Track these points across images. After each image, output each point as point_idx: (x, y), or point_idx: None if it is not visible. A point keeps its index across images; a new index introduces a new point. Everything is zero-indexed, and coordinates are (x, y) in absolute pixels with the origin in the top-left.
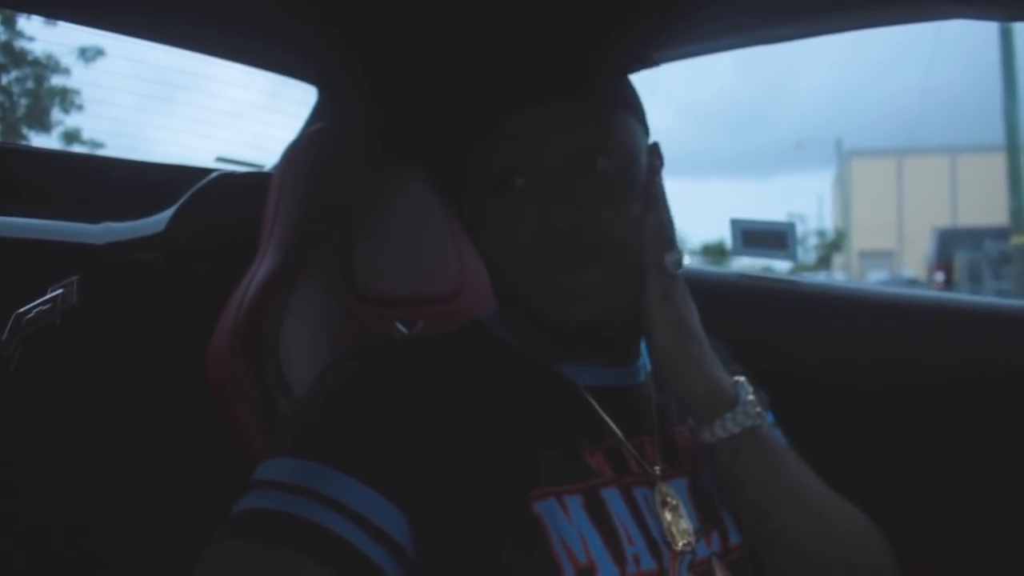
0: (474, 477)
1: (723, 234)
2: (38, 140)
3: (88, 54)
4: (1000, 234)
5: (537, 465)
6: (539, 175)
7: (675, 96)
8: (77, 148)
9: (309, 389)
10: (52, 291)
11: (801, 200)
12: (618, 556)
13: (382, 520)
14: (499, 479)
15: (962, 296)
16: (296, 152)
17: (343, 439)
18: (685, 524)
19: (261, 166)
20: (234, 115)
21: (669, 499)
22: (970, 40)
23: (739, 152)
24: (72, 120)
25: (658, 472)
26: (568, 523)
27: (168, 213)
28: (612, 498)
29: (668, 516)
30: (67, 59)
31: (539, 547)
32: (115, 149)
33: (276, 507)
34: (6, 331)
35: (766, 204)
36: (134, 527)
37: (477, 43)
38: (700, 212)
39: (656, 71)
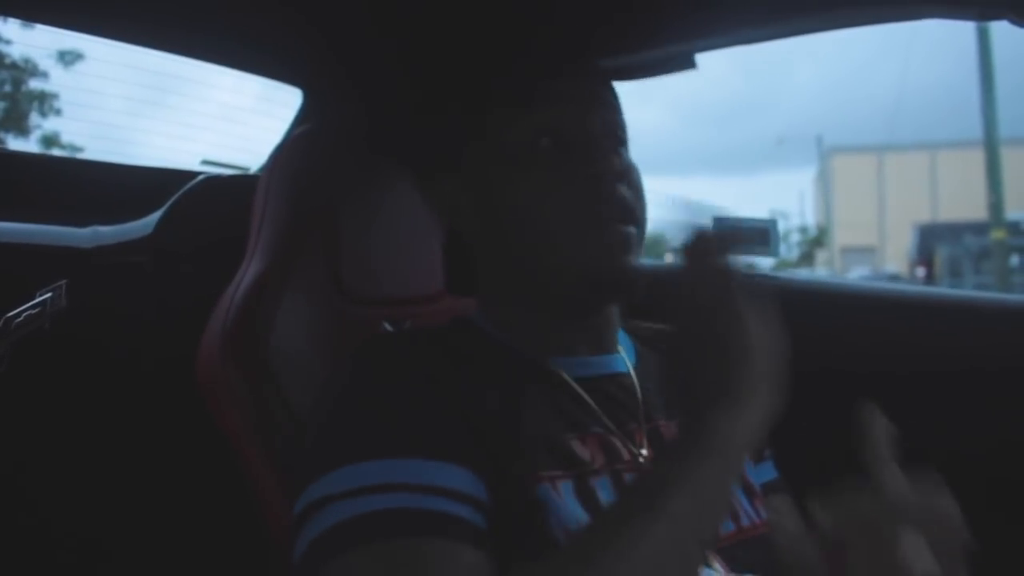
0: (494, 457)
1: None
2: (16, 144)
3: (67, 58)
4: (980, 229)
5: (533, 450)
6: (572, 136)
7: (665, 91)
8: (56, 152)
9: (335, 391)
10: (41, 295)
11: (783, 197)
12: None
13: (473, 490)
14: (499, 465)
15: (943, 290)
16: (282, 154)
17: (402, 428)
18: None
19: (247, 168)
20: (224, 119)
21: None
22: (948, 36)
23: (725, 149)
24: (52, 124)
25: (645, 455)
26: (563, 506)
27: (155, 216)
28: (602, 487)
29: None
30: (45, 63)
31: (539, 527)
32: (102, 153)
33: (386, 507)
34: None
35: (749, 201)
36: (124, 531)
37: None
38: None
39: None
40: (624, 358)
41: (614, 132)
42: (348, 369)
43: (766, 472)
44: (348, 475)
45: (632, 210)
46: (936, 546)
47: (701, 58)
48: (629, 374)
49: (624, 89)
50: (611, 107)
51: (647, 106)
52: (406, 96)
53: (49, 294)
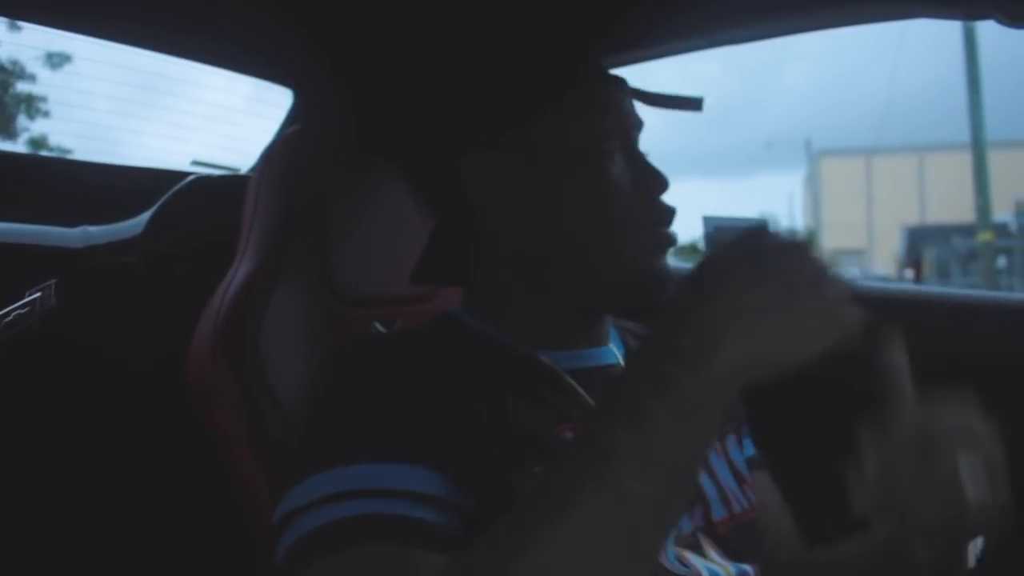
0: (473, 458)
1: (697, 234)
2: (3, 147)
3: (55, 60)
4: (967, 231)
5: (523, 446)
6: (627, 143)
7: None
8: (44, 154)
9: (316, 396)
10: (30, 295)
11: (773, 200)
12: None
13: (442, 492)
14: (490, 460)
15: (933, 288)
16: (272, 155)
17: (369, 433)
18: None
19: (237, 169)
20: (216, 119)
21: None
22: (936, 41)
23: (716, 152)
24: (39, 127)
25: None
26: None
27: (146, 216)
28: None
29: None
30: (32, 65)
31: None
32: (92, 155)
33: (358, 513)
34: None
35: (739, 204)
36: (115, 530)
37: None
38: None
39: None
40: (613, 350)
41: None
42: (324, 376)
43: (746, 449)
44: (315, 485)
45: (672, 218)
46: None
47: (692, 61)
48: (618, 365)
49: None
50: (641, 123)
51: (638, 107)
52: (432, 71)
53: (39, 293)
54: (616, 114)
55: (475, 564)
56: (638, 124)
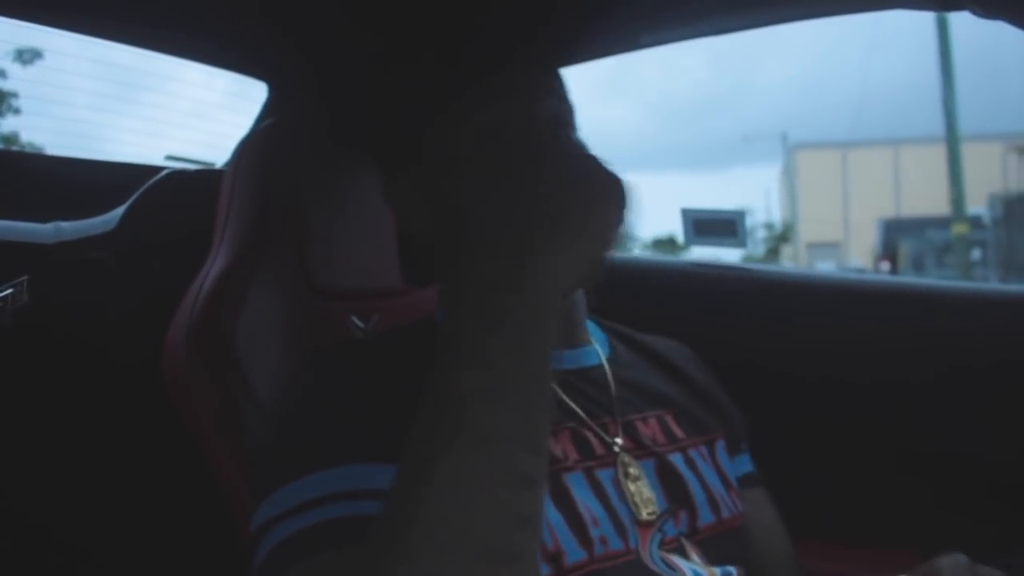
0: None
1: (675, 227)
2: None
3: (26, 56)
4: (942, 223)
5: None
6: (518, 130)
7: (637, 88)
8: (14, 149)
9: (291, 400)
10: (1, 291)
11: (750, 193)
12: (584, 539)
13: None
14: None
15: (910, 279)
16: (247, 148)
17: (353, 435)
18: (649, 494)
19: (212, 164)
20: (195, 115)
21: (631, 470)
22: (911, 34)
23: (695, 146)
24: (11, 123)
25: (620, 443)
26: None
27: (118, 211)
28: (575, 482)
29: (632, 487)
30: (3, 62)
31: None
32: (67, 150)
33: (335, 516)
34: None
35: (716, 198)
36: (92, 527)
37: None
38: (655, 206)
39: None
40: (596, 350)
41: (562, 119)
42: (299, 380)
43: (743, 464)
44: (291, 492)
45: (621, 195)
46: None
47: (672, 56)
48: (601, 366)
49: (596, 87)
50: (557, 94)
51: (620, 103)
52: (366, 90)
53: (10, 290)
54: (498, 101)
55: (373, 545)
56: (539, 98)
